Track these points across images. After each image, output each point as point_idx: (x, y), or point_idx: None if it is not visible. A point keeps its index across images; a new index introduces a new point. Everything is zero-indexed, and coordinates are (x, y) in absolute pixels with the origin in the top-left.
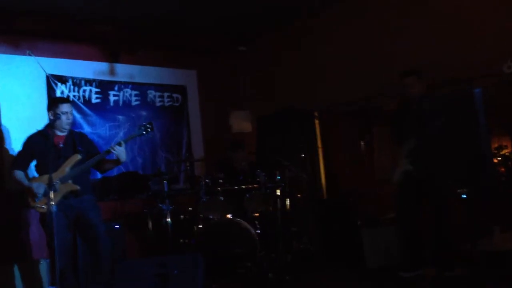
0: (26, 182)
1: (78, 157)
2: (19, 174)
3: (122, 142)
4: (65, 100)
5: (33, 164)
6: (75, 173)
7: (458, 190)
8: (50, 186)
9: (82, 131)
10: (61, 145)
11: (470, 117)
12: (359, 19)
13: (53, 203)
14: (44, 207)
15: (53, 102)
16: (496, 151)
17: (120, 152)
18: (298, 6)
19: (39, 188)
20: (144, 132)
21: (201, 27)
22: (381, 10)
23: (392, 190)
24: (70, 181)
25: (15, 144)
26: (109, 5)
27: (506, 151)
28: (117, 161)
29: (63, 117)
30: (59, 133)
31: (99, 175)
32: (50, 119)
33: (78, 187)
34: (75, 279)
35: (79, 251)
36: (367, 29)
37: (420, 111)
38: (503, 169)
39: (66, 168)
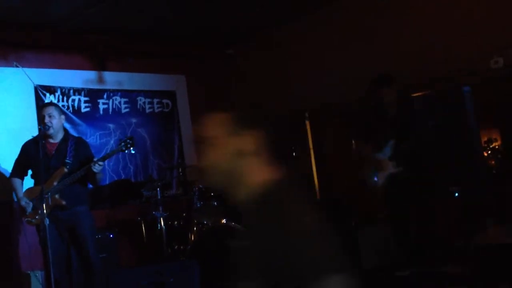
0: (19, 194)
1: (64, 170)
2: (15, 182)
3: (101, 162)
4: (47, 103)
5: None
6: (60, 187)
7: (450, 189)
8: (42, 198)
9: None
10: (53, 153)
11: (459, 115)
12: (349, 21)
13: (45, 215)
14: (33, 220)
15: (39, 109)
16: (485, 145)
17: (98, 170)
18: (287, 8)
19: (27, 204)
20: (124, 149)
21: (188, 32)
22: (370, 11)
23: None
24: (57, 195)
25: (4, 156)
26: (95, 14)
27: (495, 144)
28: (96, 179)
29: (46, 121)
30: (51, 141)
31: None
32: (39, 128)
33: (63, 202)
34: None
35: (73, 262)
36: (357, 30)
37: (404, 114)
38: (493, 162)
39: (54, 182)
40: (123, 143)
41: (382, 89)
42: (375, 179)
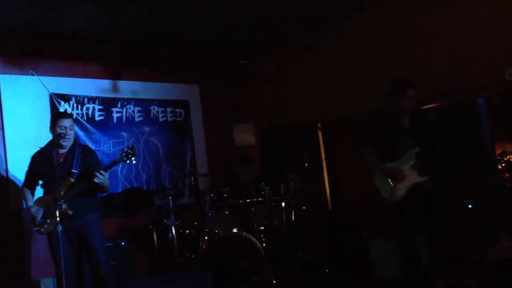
0: (28, 203)
1: (70, 180)
2: (24, 191)
3: (103, 172)
4: (63, 115)
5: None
6: (67, 196)
7: (465, 201)
8: (55, 206)
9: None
10: (60, 163)
11: (474, 127)
12: (363, 34)
13: (58, 223)
14: (43, 230)
15: (52, 118)
16: (500, 157)
17: (102, 180)
18: (299, 20)
19: (37, 212)
20: (125, 159)
21: (201, 42)
22: (384, 25)
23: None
24: (64, 206)
25: (20, 164)
26: (110, 25)
27: (510, 157)
28: (102, 188)
29: (68, 133)
30: (60, 151)
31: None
32: (58, 136)
33: (70, 212)
34: None
35: (85, 271)
36: (370, 43)
37: (421, 123)
38: (507, 175)
39: (61, 192)
40: (124, 154)
41: (409, 89)
42: (392, 190)
